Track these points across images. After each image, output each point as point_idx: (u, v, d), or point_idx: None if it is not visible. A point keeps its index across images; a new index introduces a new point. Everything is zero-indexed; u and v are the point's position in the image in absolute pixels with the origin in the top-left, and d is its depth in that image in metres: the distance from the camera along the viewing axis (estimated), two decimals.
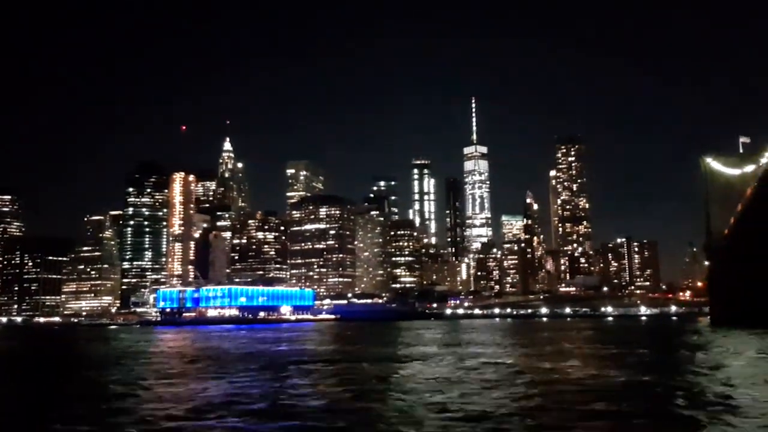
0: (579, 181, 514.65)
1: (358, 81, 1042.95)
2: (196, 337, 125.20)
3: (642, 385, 35.98)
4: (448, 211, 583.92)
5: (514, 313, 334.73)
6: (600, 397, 30.58)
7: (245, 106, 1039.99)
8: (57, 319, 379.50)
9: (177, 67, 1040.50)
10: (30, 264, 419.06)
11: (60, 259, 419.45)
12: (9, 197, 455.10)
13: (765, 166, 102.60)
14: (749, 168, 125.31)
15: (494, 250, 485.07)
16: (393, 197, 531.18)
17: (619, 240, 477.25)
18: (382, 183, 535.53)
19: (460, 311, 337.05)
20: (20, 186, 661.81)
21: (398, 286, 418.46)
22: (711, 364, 48.10)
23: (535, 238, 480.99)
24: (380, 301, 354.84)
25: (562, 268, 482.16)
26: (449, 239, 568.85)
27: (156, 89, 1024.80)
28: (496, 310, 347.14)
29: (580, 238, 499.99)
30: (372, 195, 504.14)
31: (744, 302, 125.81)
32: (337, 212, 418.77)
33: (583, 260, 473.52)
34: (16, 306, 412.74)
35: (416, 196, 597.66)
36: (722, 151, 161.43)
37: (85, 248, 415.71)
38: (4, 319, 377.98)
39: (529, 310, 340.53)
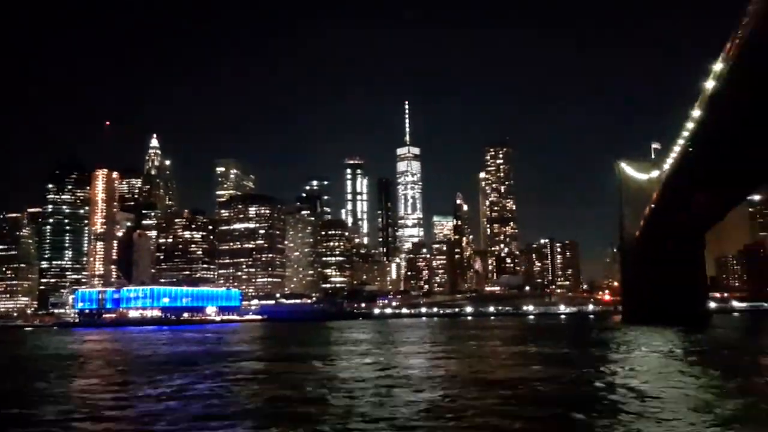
0: (507, 183, 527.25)
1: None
2: (108, 339, 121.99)
3: (532, 380, 37.96)
4: (380, 212, 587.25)
5: (441, 312, 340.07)
6: (482, 392, 32.05)
7: (181, 105, 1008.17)
8: None
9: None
10: None
11: None
12: None
13: (667, 172, 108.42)
14: (655, 173, 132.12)
15: (424, 250, 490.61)
16: (326, 197, 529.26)
17: (542, 240, 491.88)
18: (314, 182, 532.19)
19: (389, 311, 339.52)
20: None
21: (328, 286, 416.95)
22: (602, 357, 52.28)
23: (464, 238, 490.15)
24: (309, 301, 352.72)
25: (490, 267, 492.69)
26: (381, 239, 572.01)
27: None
28: (423, 310, 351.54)
29: (507, 239, 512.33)
30: (304, 194, 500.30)
31: (651, 303, 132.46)
32: (267, 211, 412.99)
33: (509, 260, 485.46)
34: None
35: (349, 196, 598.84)
36: (635, 156, 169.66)
37: (0, 247, 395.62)
38: None
39: (456, 309, 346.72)
